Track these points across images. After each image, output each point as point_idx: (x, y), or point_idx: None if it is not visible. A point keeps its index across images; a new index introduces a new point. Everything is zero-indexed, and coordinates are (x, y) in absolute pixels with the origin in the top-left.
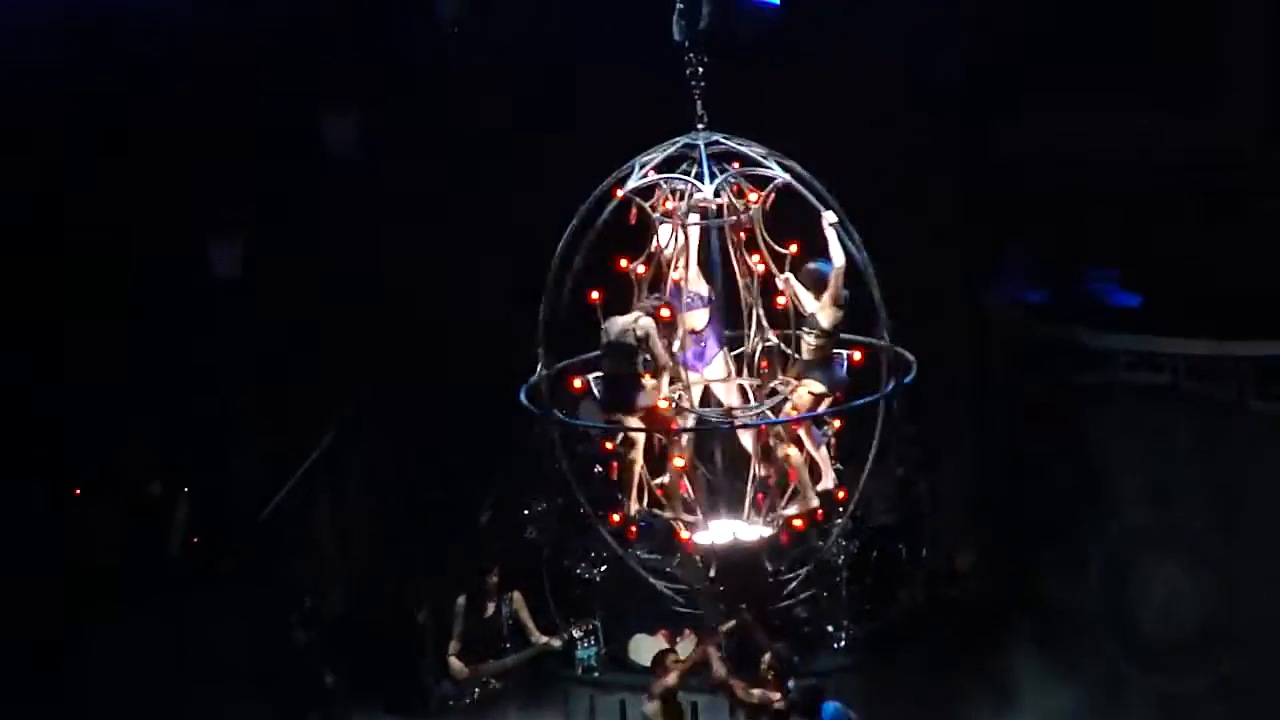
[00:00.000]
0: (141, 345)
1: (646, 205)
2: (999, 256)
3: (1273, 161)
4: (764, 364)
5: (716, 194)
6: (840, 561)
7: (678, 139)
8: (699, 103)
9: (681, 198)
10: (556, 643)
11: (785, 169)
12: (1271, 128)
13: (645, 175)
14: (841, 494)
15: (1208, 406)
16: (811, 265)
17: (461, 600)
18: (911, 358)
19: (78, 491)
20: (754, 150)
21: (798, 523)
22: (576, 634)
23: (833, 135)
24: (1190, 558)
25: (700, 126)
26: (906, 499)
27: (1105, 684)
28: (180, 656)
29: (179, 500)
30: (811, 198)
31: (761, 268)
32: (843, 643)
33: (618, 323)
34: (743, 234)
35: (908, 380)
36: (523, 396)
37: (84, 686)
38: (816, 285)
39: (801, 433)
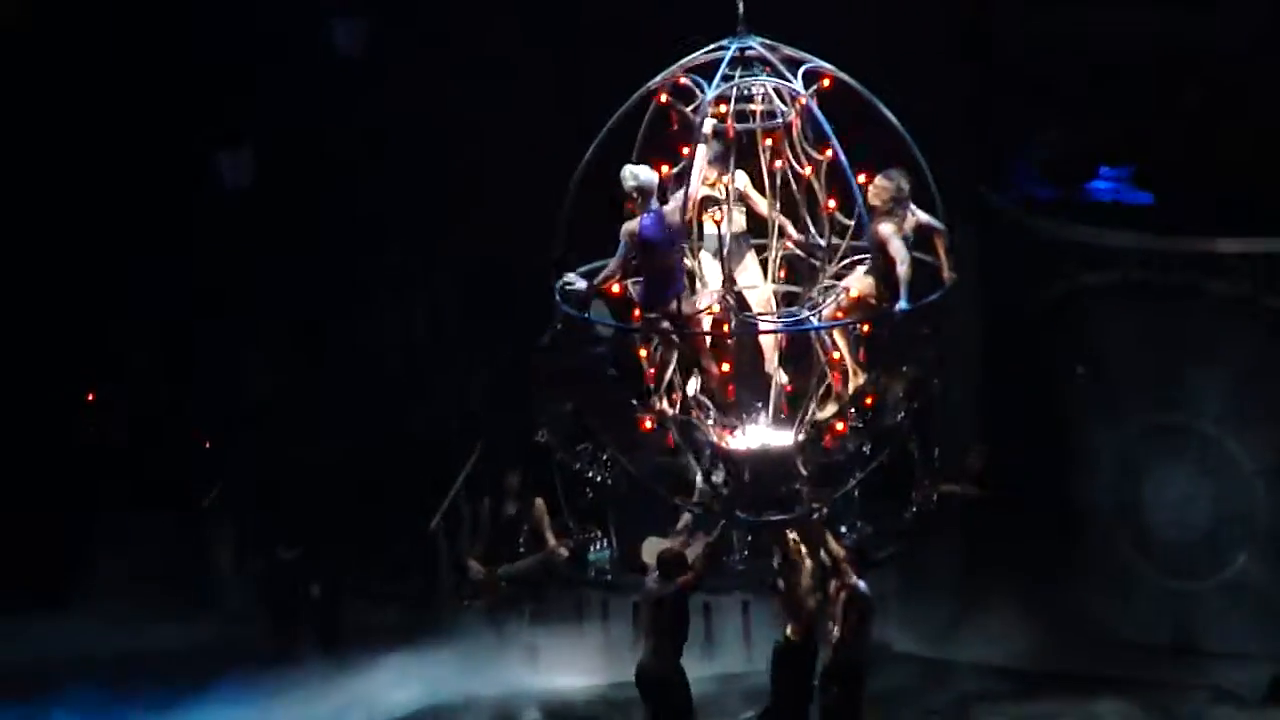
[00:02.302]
0: (151, 252)
1: (687, 111)
2: (1009, 154)
3: None
4: (784, 271)
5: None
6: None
7: (720, 43)
8: (740, 6)
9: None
10: (564, 551)
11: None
12: None
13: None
14: (869, 399)
15: (1220, 304)
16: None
17: (486, 502)
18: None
19: (91, 397)
20: (796, 54)
21: (839, 426)
22: (586, 537)
23: (836, 32)
24: (1202, 455)
25: (740, 30)
26: (918, 399)
27: (1117, 583)
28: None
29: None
30: (865, 91)
31: (808, 169)
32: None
33: None
34: (780, 139)
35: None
36: (558, 296)
37: (78, 587)
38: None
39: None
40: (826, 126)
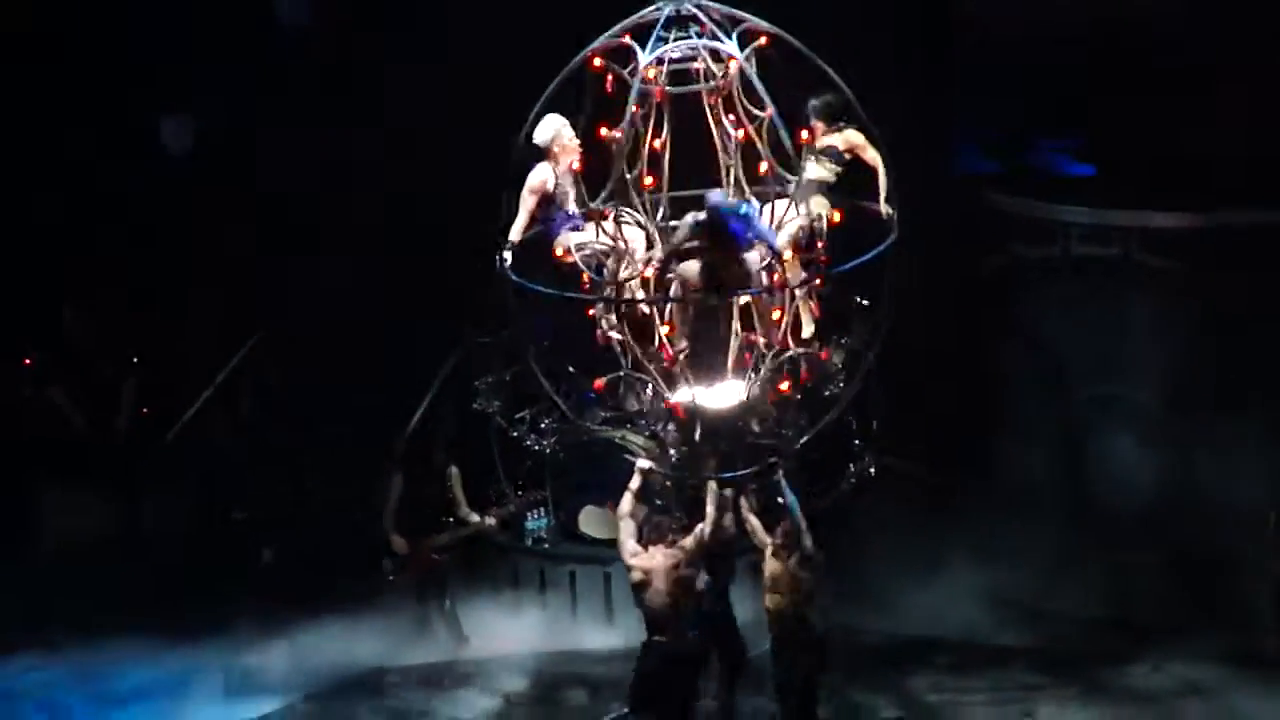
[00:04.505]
0: (92, 217)
1: (624, 73)
2: (952, 126)
3: (1226, 32)
4: None
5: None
6: (791, 433)
7: (656, 5)
8: None
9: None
10: (492, 521)
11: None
12: None
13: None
14: (824, 354)
15: (1159, 278)
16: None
17: (398, 476)
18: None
19: (28, 361)
20: (734, 14)
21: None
22: (516, 509)
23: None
24: (1141, 430)
25: None
26: (856, 371)
27: (1056, 556)
28: (124, 530)
29: (128, 373)
30: (805, 50)
31: (740, 132)
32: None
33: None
34: (717, 99)
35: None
36: (507, 266)
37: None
38: (828, 114)
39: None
40: (761, 88)
